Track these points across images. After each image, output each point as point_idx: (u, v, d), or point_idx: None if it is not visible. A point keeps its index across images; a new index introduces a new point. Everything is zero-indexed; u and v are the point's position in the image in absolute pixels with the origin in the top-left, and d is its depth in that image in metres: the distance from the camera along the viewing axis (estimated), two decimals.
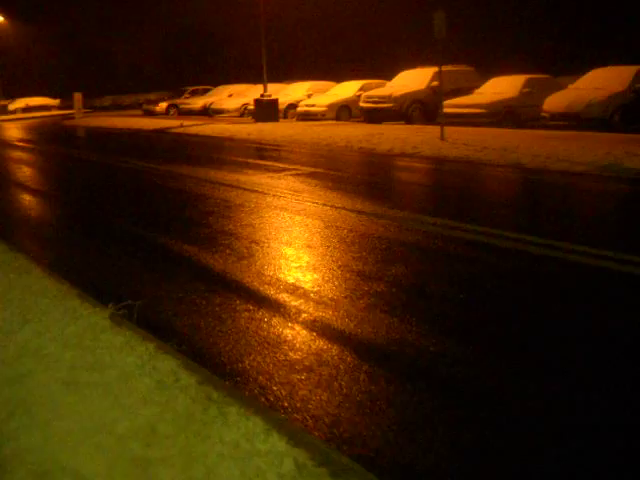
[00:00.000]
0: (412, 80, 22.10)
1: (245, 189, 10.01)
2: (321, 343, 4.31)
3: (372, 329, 4.48)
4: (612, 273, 5.50)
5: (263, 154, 15.40)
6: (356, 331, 4.47)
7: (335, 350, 4.18)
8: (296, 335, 4.47)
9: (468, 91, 20.97)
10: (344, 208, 8.27)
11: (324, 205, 8.51)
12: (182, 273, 6.02)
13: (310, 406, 3.48)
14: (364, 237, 6.89)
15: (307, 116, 24.78)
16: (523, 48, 26.72)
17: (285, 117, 26.47)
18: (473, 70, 23.04)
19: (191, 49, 53.39)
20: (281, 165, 12.74)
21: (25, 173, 14.38)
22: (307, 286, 5.39)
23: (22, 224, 8.80)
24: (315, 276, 5.65)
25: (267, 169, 12.15)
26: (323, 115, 24.19)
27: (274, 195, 9.41)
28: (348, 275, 5.63)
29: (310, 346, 4.27)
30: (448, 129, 15.36)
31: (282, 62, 30.54)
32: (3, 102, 53.11)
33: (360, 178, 11.60)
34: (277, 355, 4.15)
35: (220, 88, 34.99)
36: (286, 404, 3.52)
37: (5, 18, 54.36)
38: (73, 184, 12.28)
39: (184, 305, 5.17)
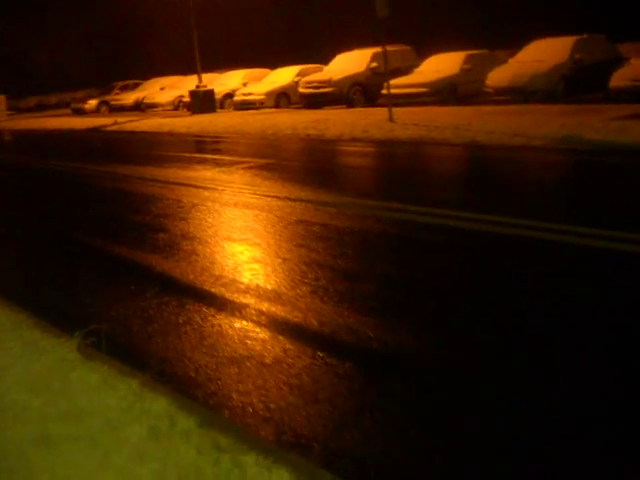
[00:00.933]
0: (351, 63, 21.68)
1: (198, 187, 9.42)
2: (322, 363, 3.84)
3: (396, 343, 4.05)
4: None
5: (208, 147, 14.77)
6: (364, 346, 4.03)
7: (335, 369, 3.73)
8: (290, 353, 3.98)
9: (407, 71, 20.67)
10: (309, 201, 7.80)
11: (287, 199, 8.01)
12: (148, 286, 5.44)
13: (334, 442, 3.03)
14: (338, 232, 6.44)
15: (245, 105, 24.12)
16: (456, 24, 26.54)
17: (222, 107, 25.75)
18: (410, 49, 22.76)
19: (116, 43, 51.73)
20: (230, 158, 12.15)
21: None
22: (291, 293, 4.91)
23: None
24: (296, 280, 5.16)
25: (216, 163, 11.55)
26: (261, 103, 23.58)
27: (231, 191, 8.85)
28: (334, 276, 5.17)
29: (307, 364, 3.80)
30: (395, 110, 14.99)
31: (213, 51, 29.66)
32: None
33: (316, 167, 11.14)
34: (276, 377, 3.66)
35: (151, 82, 33.91)
36: (304, 437, 3.06)
37: None
38: (8, 194, 11.44)
39: (157, 324, 4.63)
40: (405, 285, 4.99)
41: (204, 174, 10.49)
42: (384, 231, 6.46)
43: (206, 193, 8.91)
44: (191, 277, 5.51)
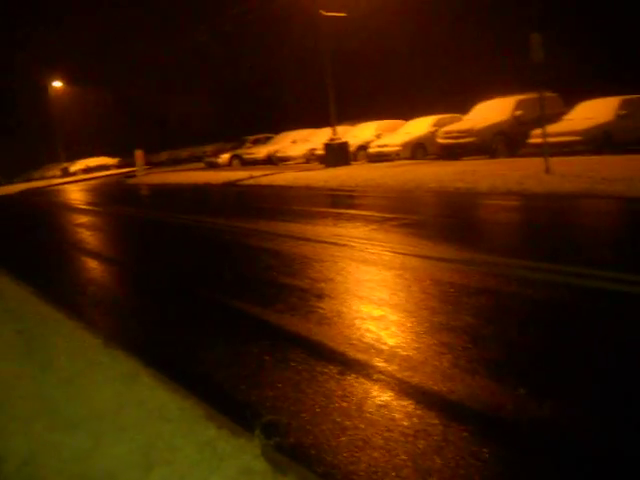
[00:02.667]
0: (492, 111, 20.77)
1: (353, 246, 8.77)
2: None
3: None
4: None
5: (353, 202, 14.19)
6: None
7: None
8: None
9: (554, 118, 19.47)
10: (492, 264, 6.94)
11: (462, 264, 7.15)
12: (320, 366, 4.75)
13: None
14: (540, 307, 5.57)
15: (380, 157, 23.63)
16: (604, 69, 25.13)
17: (355, 160, 25.39)
18: (556, 96, 21.54)
19: (247, 98, 53.16)
20: (379, 214, 11.47)
21: (98, 240, 13.52)
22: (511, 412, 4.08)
23: (102, 303, 7.72)
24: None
25: (366, 220, 10.89)
26: (397, 155, 22.99)
27: (392, 254, 8.08)
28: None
29: None
30: (541, 160, 13.86)
31: (345, 103, 29.50)
32: (64, 164, 53.89)
33: (477, 224, 10.21)
34: None
35: (282, 135, 34.27)
36: None
37: (63, 83, 55.31)
38: (153, 251, 11.23)
39: (343, 418, 3.92)
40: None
41: (356, 232, 9.85)
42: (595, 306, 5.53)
43: (365, 255, 8.24)
44: (373, 357, 4.78)
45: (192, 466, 3.35)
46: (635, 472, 3.11)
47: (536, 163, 14.51)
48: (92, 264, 10.53)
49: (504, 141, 20.04)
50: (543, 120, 14.17)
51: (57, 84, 54.80)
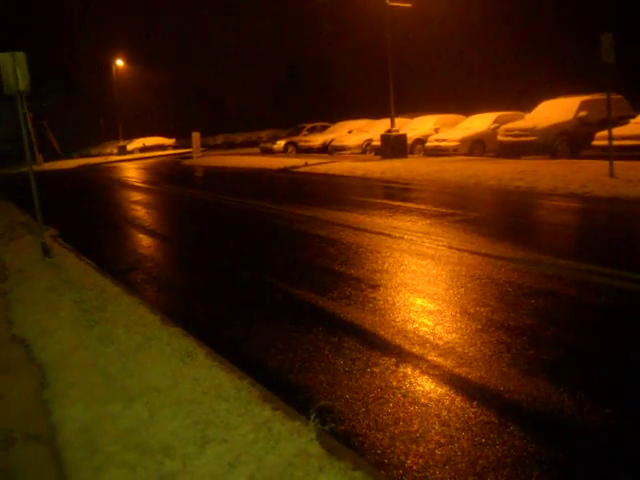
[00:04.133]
0: (556, 111, 20.29)
1: (409, 240, 8.71)
2: None
3: None
4: None
5: (409, 195, 14.07)
6: None
7: None
8: None
9: (619, 121, 18.94)
10: (543, 264, 6.81)
11: (521, 263, 7.03)
12: (374, 358, 4.74)
13: None
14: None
15: (437, 151, 23.33)
16: None
17: (411, 153, 25.14)
18: (623, 98, 20.97)
19: (303, 86, 53.18)
20: (437, 209, 11.35)
21: (154, 218, 13.73)
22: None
23: (157, 279, 7.85)
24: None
25: (423, 214, 10.79)
26: (455, 150, 22.67)
27: (450, 249, 8.00)
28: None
29: None
30: (605, 163, 13.49)
31: (403, 94, 29.24)
32: (122, 143, 54.66)
33: (540, 226, 9.88)
34: None
35: (339, 124, 34.11)
36: None
37: (124, 62, 56.13)
38: (208, 232, 11.32)
39: (397, 411, 3.90)
40: None
41: (413, 225, 9.77)
42: None
43: (421, 248, 8.17)
44: (429, 351, 4.74)
45: (248, 445, 3.38)
46: None
47: (599, 166, 14.19)
48: (148, 241, 10.69)
49: (566, 142, 19.58)
50: (610, 122, 13.79)
51: (119, 63, 55.66)
